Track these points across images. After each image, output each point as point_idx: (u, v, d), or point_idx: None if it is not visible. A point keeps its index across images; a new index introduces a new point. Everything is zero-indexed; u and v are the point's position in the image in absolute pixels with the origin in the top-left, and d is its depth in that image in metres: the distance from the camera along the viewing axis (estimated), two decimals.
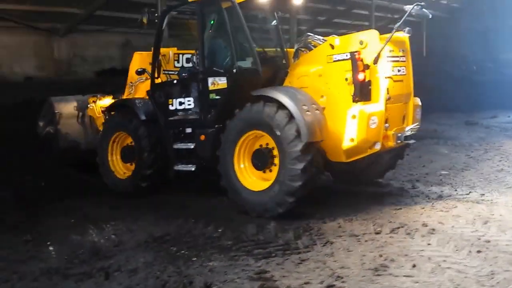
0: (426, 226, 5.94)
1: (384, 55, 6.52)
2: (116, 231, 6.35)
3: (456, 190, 7.57)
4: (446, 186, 7.86)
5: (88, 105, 9.08)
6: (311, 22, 19.46)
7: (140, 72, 8.02)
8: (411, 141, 7.07)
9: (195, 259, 5.31)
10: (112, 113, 8.33)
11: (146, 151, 7.62)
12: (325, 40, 7.01)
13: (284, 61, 7.68)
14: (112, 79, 12.90)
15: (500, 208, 6.56)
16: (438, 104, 17.03)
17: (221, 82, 7.02)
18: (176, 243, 5.84)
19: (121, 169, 8.19)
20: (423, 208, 6.72)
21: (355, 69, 6.46)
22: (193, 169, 7.34)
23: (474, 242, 5.33)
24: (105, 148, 8.15)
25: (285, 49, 7.84)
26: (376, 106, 6.47)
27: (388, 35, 6.54)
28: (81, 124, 9.05)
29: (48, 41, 14.83)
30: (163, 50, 8.10)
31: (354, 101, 6.49)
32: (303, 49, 7.33)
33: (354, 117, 6.39)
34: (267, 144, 6.68)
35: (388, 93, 6.54)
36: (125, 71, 9.65)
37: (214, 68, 7.15)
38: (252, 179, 6.81)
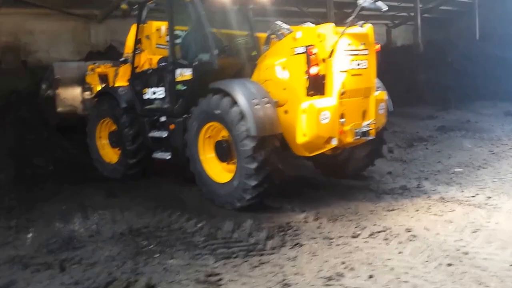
0: (409, 231, 5.57)
1: (341, 49, 6.38)
2: (100, 221, 6.37)
3: (462, 191, 7.06)
4: (454, 186, 7.35)
5: (87, 72, 9.23)
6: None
7: (123, 62, 8.26)
8: (369, 137, 6.72)
9: (158, 255, 5.25)
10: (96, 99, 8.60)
11: (128, 140, 7.84)
12: (291, 31, 6.87)
13: (254, 53, 7.62)
14: None
15: (500, 214, 6.05)
16: (484, 91, 16.13)
17: (187, 74, 7.18)
18: (150, 237, 5.79)
19: (110, 153, 8.43)
20: (417, 211, 6.32)
21: (308, 63, 6.39)
22: (168, 157, 7.50)
23: (450, 253, 4.92)
24: (93, 133, 8.45)
25: (256, 39, 7.82)
26: (329, 100, 6.35)
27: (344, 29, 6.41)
28: (79, 90, 9.23)
29: (85, 27, 15.14)
30: (156, 24, 8.26)
31: (307, 95, 6.41)
32: (273, 37, 7.19)
33: (304, 111, 6.29)
34: (228, 136, 6.67)
35: (343, 88, 6.39)
36: None
37: (179, 60, 7.32)
38: (217, 169, 6.89)
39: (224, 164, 6.84)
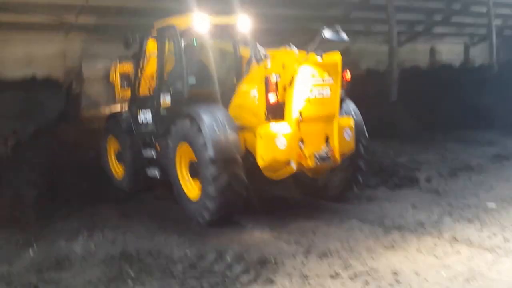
0: (396, 275, 5.22)
1: (301, 77, 6.63)
2: (100, 242, 6.47)
3: (481, 231, 6.48)
4: (475, 224, 6.77)
5: (110, 71, 9.67)
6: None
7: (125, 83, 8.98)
8: (331, 162, 6.90)
9: (131, 283, 5.27)
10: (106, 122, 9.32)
11: (128, 159, 8.55)
12: (267, 57, 7.15)
13: (235, 81, 7.93)
14: None
15: (508, 261, 5.47)
16: None
17: (168, 101, 7.88)
18: (135, 262, 5.80)
19: (118, 169, 8.99)
20: (418, 251, 5.88)
21: (266, 91, 6.72)
22: (158, 175, 8.05)
23: None
24: (104, 148, 9.22)
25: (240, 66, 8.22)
26: (285, 126, 6.66)
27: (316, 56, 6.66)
28: (103, 88, 9.82)
29: None
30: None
31: (266, 120, 6.78)
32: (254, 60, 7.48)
33: (261, 136, 6.68)
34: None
35: (302, 114, 6.64)
36: None
37: (161, 89, 8.04)
38: (191, 186, 7.34)
39: (197, 181, 7.21)
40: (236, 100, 7.44)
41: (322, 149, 6.81)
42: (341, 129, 7.01)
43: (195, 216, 7.09)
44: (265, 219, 7.09)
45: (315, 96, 6.73)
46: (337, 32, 6.79)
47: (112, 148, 9.18)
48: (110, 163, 9.21)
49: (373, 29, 16.91)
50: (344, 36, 6.81)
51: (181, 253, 6.00)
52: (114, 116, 9.14)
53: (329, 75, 6.79)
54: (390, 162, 9.77)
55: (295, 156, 6.68)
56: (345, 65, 7.02)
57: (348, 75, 7.13)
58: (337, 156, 6.93)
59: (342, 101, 7.22)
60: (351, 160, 7.51)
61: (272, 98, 6.74)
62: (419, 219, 6.99)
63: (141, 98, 8.56)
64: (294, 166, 6.71)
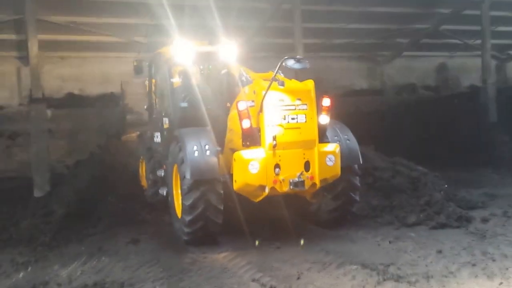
0: None
1: (269, 104, 6.92)
2: (89, 269, 6.60)
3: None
4: (493, 280, 5.61)
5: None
6: None
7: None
8: (305, 188, 7.01)
9: None
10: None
11: (148, 173, 8.99)
12: (249, 81, 7.65)
13: (228, 104, 8.06)
14: None
15: None
16: None
17: (166, 123, 8.31)
18: None
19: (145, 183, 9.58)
20: None
21: (239, 117, 6.94)
22: (165, 194, 8.19)
23: None
24: (138, 165, 9.84)
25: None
26: (259, 151, 6.90)
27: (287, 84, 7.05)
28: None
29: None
30: None
31: (243, 145, 6.99)
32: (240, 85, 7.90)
33: (235, 161, 6.94)
34: None
35: (275, 140, 6.82)
36: None
37: (162, 112, 8.57)
38: (179, 206, 7.51)
39: None
40: (228, 124, 7.67)
41: (296, 174, 6.91)
42: (322, 155, 7.11)
43: (178, 233, 7.42)
44: (250, 254, 6.77)
45: (289, 122, 6.95)
46: (298, 61, 7.11)
47: (143, 165, 9.65)
48: (141, 178, 9.77)
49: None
50: (305, 64, 7.11)
51: None
52: (142, 136, 9.66)
53: (302, 101, 7.01)
54: (444, 195, 8.57)
55: (269, 181, 6.89)
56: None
57: (327, 101, 7.21)
58: (317, 181, 7.06)
59: (324, 127, 7.34)
60: (342, 188, 7.58)
61: (245, 124, 6.93)
62: (431, 270, 5.98)
63: (155, 119, 8.92)
64: (267, 190, 6.90)
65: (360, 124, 14.58)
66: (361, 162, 7.84)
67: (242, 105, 6.97)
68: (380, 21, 15.58)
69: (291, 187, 6.94)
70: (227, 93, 8.36)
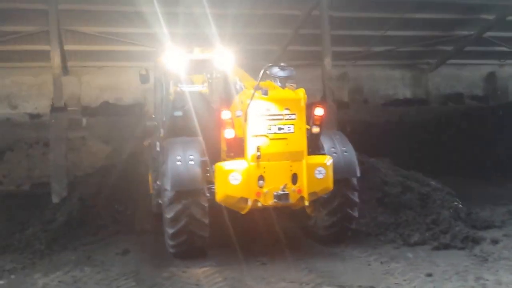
0: None
1: (255, 113, 6.67)
2: (68, 279, 6.58)
3: None
4: None
5: None
6: None
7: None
8: (287, 202, 6.68)
9: None
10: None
11: (153, 182, 8.81)
12: (242, 89, 7.40)
13: None
14: None
15: None
16: None
17: (162, 132, 8.13)
18: None
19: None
20: None
21: (222, 127, 6.81)
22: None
23: None
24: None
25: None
26: (241, 163, 6.68)
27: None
28: None
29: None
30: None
31: (227, 156, 6.89)
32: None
33: (216, 172, 6.73)
34: None
35: (259, 151, 6.57)
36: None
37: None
38: None
39: None
40: (222, 133, 7.30)
41: (280, 187, 6.63)
42: (311, 167, 6.78)
43: (166, 245, 7.22)
44: (230, 270, 6.58)
45: (275, 133, 6.68)
46: (282, 68, 6.96)
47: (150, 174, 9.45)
48: (150, 187, 9.45)
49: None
50: (290, 71, 6.93)
51: None
52: (150, 145, 9.48)
53: (291, 111, 6.71)
54: (453, 213, 7.95)
55: (252, 193, 6.62)
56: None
57: (320, 111, 6.93)
58: (305, 195, 6.75)
59: (316, 138, 7.09)
60: (338, 203, 7.25)
61: (228, 134, 6.76)
62: None
63: (155, 128, 8.74)
64: (250, 203, 6.65)
65: (401, 135, 14.25)
66: (358, 175, 7.44)
67: (226, 115, 6.81)
68: (419, 28, 14.92)
69: (275, 200, 6.65)
70: (226, 102, 8.16)
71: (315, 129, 7.09)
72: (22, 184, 12.74)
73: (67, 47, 12.62)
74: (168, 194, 6.84)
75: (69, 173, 11.12)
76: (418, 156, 13.78)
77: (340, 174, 7.24)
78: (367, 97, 17.27)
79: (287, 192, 6.68)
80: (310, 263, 6.75)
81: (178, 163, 6.87)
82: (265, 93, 6.76)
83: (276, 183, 6.70)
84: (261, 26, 13.77)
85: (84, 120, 13.04)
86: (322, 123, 7.12)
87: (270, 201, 6.68)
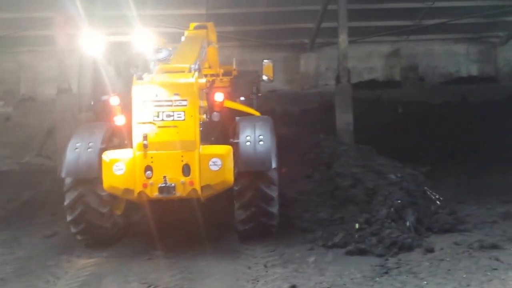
0: None
1: (140, 99, 6.21)
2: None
3: None
4: None
5: None
6: None
7: None
8: (177, 194, 6.14)
9: None
10: None
11: None
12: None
13: None
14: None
15: None
16: None
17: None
18: None
19: None
20: None
21: (112, 114, 6.67)
22: None
23: None
24: None
25: None
26: (126, 152, 6.29)
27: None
28: None
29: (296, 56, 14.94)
30: None
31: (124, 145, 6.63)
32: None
33: (102, 161, 6.33)
34: None
35: (145, 139, 6.07)
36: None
37: None
38: None
39: None
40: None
41: (163, 179, 6.11)
42: (205, 158, 6.21)
43: None
44: (110, 264, 6.28)
45: (163, 120, 6.16)
46: (157, 50, 6.72)
47: None
48: None
49: None
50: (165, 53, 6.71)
51: None
52: None
53: (181, 97, 6.21)
54: (394, 213, 6.70)
55: (138, 184, 6.15)
56: None
57: (219, 96, 6.59)
58: (197, 187, 6.18)
59: (218, 125, 6.68)
60: (251, 197, 6.54)
61: (117, 121, 6.50)
62: None
63: None
64: (134, 194, 6.22)
65: (464, 116, 12.61)
66: (273, 167, 6.62)
67: (115, 101, 6.46)
68: None
69: (158, 193, 6.16)
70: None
71: (215, 117, 6.46)
72: None
73: None
74: (66, 181, 6.63)
75: None
76: (483, 141, 12.14)
77: (252, 166, 6.54)
78: (423, 75, 15.60)
79: (172, 184, 6.15)
80: (191, 261, 6.20)
81: (76, 150, 6.60)
82: (139, 78, 6.31)
83: (164, 174, 6.17)
84: (289, 4, 13.01)
85: None
86: (222, 109, 6.49)
87: (154, 194, 6.18)
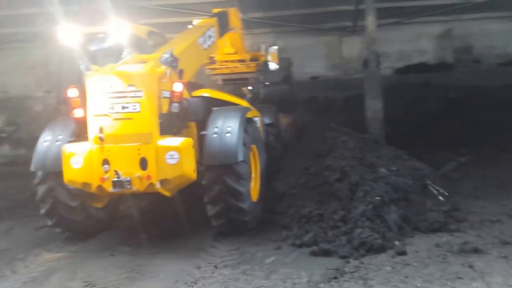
0: None
1: (94, 90, 6.04)
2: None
3: None
4: None
5: None
6: None
7: None
8: (133, 189, 5.92)
9: None
10: None
11: None
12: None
13: None
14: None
15: None
16: None
17: None
18: None
19: None
20: None
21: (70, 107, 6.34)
22: None
23: None
24: None
25: None
26: (84, 145, 6.11)
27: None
28: None
29: (338, 40, 14.30)
30: None
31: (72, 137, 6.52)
32: None
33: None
34: None
35: (101, 132, 5.92)
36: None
37: None
38: None
39: None
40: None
41: (115, 173, 5.91)
42: (161, 151, 5.93)
43: None
44: (67, 260, 6.16)
45: (118, 112, 5.97)
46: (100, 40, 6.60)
47: None
48: None
49: None
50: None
51: None
52: None
53: (137, 87, 5.97)
54: (372, 210, 6.01)
55: (95, 179, 5.99)
56: None
57: (178, 86, 6.19)
58: (154, 181, 5.91)
59: (178, 117, 6.28)
60: (217, 192, 6.28)
61: (77, 113, 6.26)
62: None
63: None
64: (92, 188, 6.07)
65: None
66: (238, 160, 6.22)
67: (73, 93, 6.25)
68: None
69: (111, 187, 5.93)
70: None
71: (174, 108, 6.17)
72: None
73: None
74: (37, 174, 6.63)
75: None
76: None
77: (217, 159, 6.21)
78: (478, 57, 14.26)
79: (127, 178, 5.90)
80: (148, 260, 5.92)
81: (46, 143, 6.55)
82: (87, 69, 6.13)
83: (122, 168, 5.95)
84: None
85: None
86: (181, 99, 6.17)
87: (108, 188, 5.98)
